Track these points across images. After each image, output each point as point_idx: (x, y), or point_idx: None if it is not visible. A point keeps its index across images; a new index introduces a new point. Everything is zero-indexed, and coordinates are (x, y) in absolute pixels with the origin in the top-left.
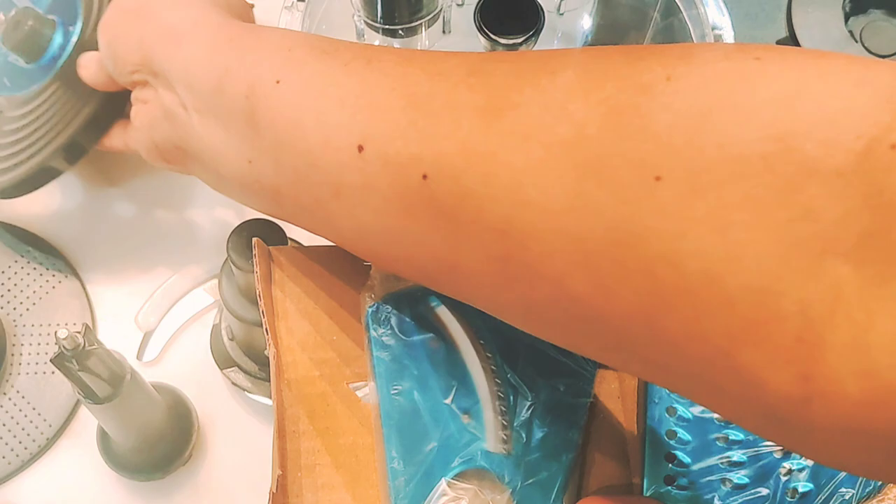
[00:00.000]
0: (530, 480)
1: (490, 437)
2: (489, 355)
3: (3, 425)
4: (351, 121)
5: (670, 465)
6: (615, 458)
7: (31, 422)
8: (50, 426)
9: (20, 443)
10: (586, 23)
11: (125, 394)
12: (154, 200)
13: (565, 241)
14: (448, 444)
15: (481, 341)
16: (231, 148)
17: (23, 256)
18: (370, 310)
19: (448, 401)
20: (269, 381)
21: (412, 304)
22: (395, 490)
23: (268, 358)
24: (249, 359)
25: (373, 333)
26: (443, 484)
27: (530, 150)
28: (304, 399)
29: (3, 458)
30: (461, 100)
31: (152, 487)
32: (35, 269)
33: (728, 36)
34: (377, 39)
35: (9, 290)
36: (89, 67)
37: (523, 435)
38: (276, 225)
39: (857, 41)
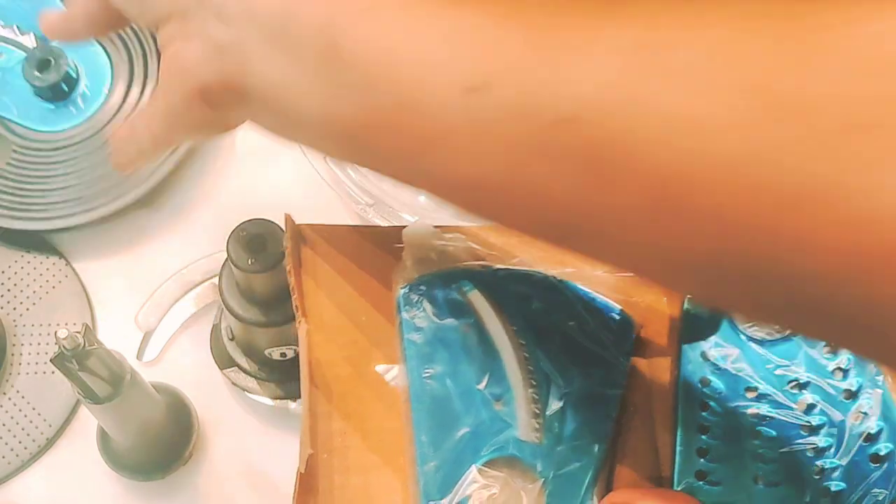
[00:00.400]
0: (562, 471)
1: (522, 425)
2: (522, 342)
3: (3, 425)
4: (458, 57)
5: (702, 459)
6: (645, 451)
7: (31, 422)
8: (50, 426)
9: (20, 443)
10: None
11: (125, 394)
12: (154, 200)
13: (743, 194)
14: (479, 431)
15: (514, 328)
16: (303, 86)
17: (23, 256)
18: (402, 291)
19: (481, 386)
20: (269, 381)
21: (445, 287)
22: (423, 475)
23: (269, 357)
24: (249, 359)
25: (404, 315)
26: (473, 471)
27: (702, 92)
28: (333, 380)
29: (3, 458)
30: (603, 35)
31: (152, 487)
32: (35, 269)
33: None
34: None
35: (9, 290)
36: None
37: (556, 424)
38: (276, 225)
39: None
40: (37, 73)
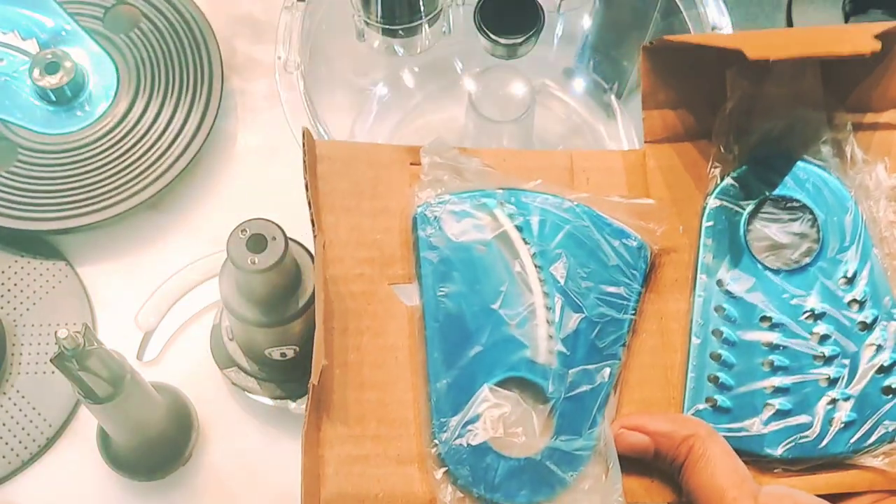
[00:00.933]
0: (572, 393)
1: (535, 346)
2: (538, 265)
3: (3, 425)
4: None
5: (713, 385)
6: (654, 377)
7: (31, 422)
8: (50, 426)
9: (20, 443)
10: (586, 23)
11: (125, 394)
12: (154, 201)
13: None
14: (492, 351)
15: (531, 250)
16: None
17: (23, 256)
18: (419, 209)
19: (495, 306)
20: (269, 381)
21: (462, 206)
22: (435, 392)
23: (269, 357)
24: (249, 359)
25: (420, 233)
26: (485, 390)
27: None
28: (347, 296)
29: (3, 458)
30: None
31: (152, 487)
32: (35, 269)
33: None
34: (377, 40)
35: (9, 290)
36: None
37: (568, 347)
38: (277, 225)
39: None
40: (42, 77)
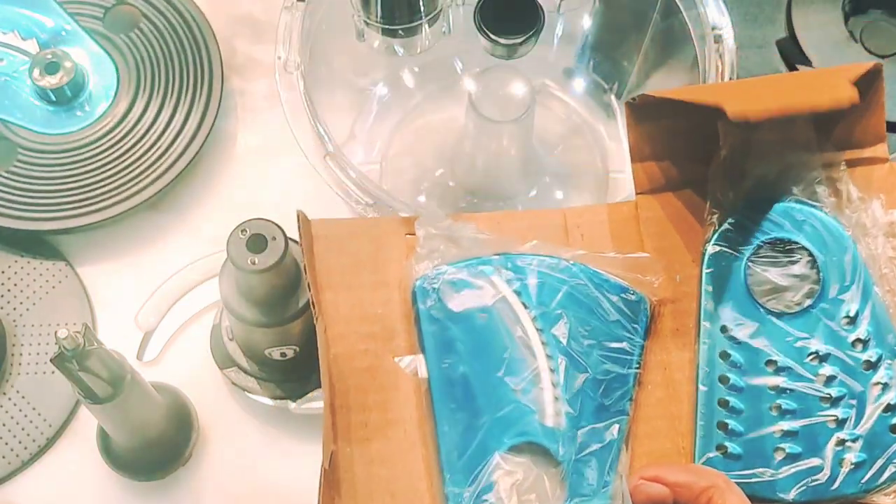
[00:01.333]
0: (583, 453)
1: (543, 410)
2: (539, 328)
3: (3, 425)
4: None
5: (722, 432)
6: (663, 428)
7: (31, 422)
8: (50, 426)
9: (20, 443)
10: (586, 23)
11: (125, 394)
12: (154, 202)
13: None
14: (501, 418)
15: (531, 313)
16: None
17: (23, 256)
18: (417, 282)
19: (500, 374)
20: (269, 380)
21: (460, 276)
22: (447, 464)
23: (269, 357)
24: (249, 359)
25: (420, 306)
26: (496, 457)
27: None
28: (352, 373)
29: (3, 458)
30: None
31: (152, 487)
32: (35, 269)
33: (728, 36)
34: (377, 40)
35: (9, 290)
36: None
37: (575, 408)
38: (276, 225)
39: (857, 41)
40: (43, 77)
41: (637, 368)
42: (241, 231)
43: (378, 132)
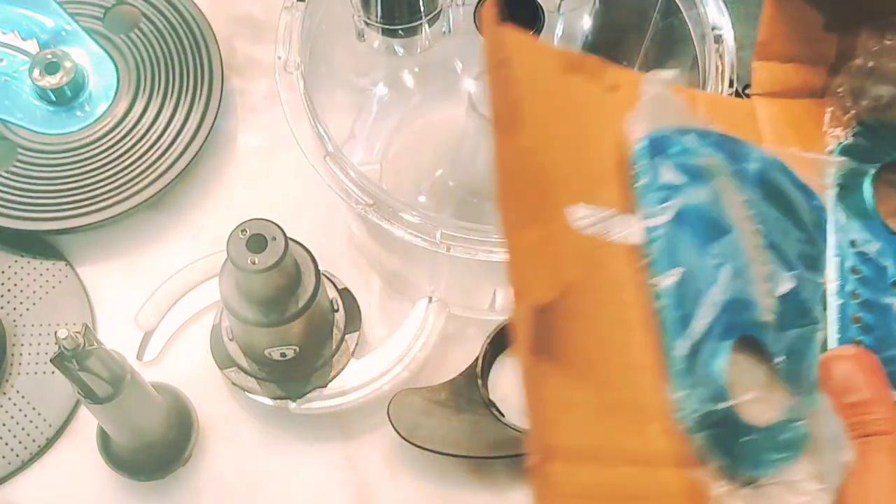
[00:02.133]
0: (793, 348)
1: (759, 305)
2: (758, 226)
3: (3, 425)
4: None
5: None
6: None
7: (31, 422)
8: (50, 426)
9: (20, 443)
10: (586, 23)
11: (125, 394)
12: (154, 202)
13: None
14: (726, 310)
15: (750, 211)
16: None
17: (23, 256)
18: (638, 146)
19: (724, 261)
20: (269, 381)
21: (684, 149)
22: (673, 359)
23: (269, 357)
24: (249, 359)
25: (643, 179)
26: (724, 353)
27: None
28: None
29: (3, 458)
30: None
31: (152, 487)
32: (35, 269)
33: (728, 36)
34: (377, 40)
35: (9, 290)
36: None
37: (786, 305)
38: (277, 225)
39: None
40: (43, 77)
41: (823, 278)
42: (241, 231)
43: (378, 132)
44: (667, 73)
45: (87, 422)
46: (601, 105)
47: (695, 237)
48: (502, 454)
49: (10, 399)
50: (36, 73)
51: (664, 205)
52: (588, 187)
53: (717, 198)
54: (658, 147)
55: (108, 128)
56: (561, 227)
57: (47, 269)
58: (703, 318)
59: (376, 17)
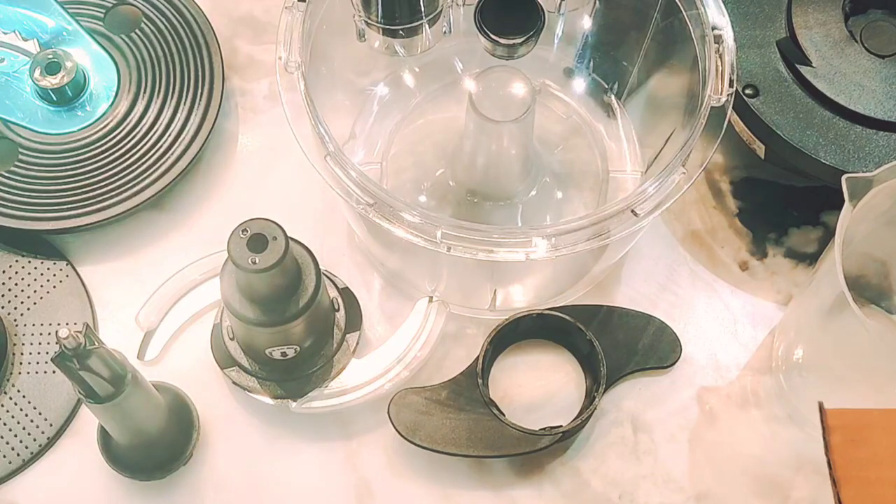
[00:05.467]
0: None
1: None
2: None
3: (4, 425)
4: None
5: None
6: None
7: (32, 421)
8: (51, 426)
9: (21, 442)
10: (586, 23)
11: (126, 393)
12: (155, 201)
13: None
14: None
15: None
16: None
17: (23, 256)
18: None
19: None
20: (270, 380)
21: None
22: None
23: (270, 357)
24: (250, 358)
25: None
26: None
27: None
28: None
29: (4, 457)
30: None
31: (152, 487)
32: (35, 268)
33: (728, 36)
34: (377, 40)
35: (9, 290)
36: None
37: None
38: (277, 225)
39: (857, 41)
40: (43, 77)
41: None
42: (242, 231)
43: (378, 132)
44: None
45: (88, 421)
46: None
47: None
48: (502, 453)
49: (10, 398)
50: (37, 73)
51: None
52: None
53: None
54: None
55: (108, 128)
56: None
57: (48, 269)
58: None
59: (377, 17)
